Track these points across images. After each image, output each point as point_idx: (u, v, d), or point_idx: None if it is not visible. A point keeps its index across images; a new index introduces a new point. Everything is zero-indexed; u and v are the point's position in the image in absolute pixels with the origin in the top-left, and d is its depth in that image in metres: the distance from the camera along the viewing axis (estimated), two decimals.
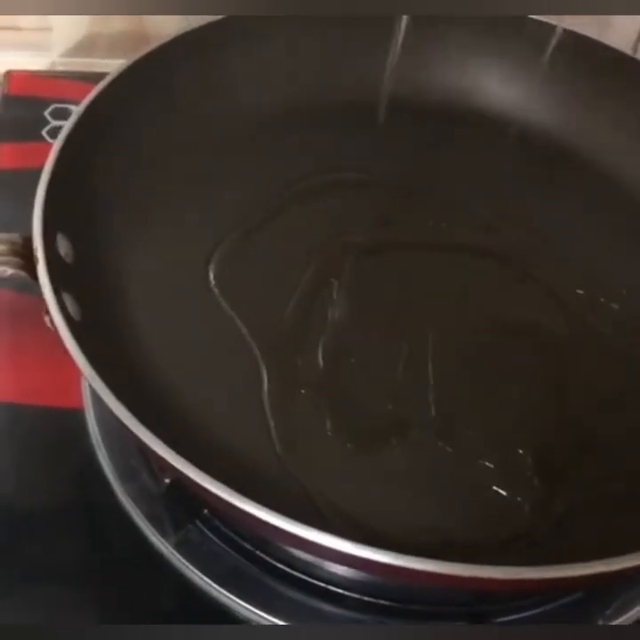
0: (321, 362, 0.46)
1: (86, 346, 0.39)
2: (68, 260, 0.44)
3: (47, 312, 0.40)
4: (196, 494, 0.38)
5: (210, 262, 0.50)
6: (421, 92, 0.60)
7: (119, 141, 0.50)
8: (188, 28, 0.53)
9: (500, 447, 0.44)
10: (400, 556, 0.33)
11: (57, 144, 0.45)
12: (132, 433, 0.37)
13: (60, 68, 0.73)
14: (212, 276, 0.49)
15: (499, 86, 0.61)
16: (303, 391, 0.45)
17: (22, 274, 0.42)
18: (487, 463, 0.43)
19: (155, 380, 0.45)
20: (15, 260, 0.42)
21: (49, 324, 0.40)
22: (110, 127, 0.49)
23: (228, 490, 0.34)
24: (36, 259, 0.41)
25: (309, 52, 0.59)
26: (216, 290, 0.49)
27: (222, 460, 0.42)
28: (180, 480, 0.37)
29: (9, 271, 0.42)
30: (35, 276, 0.41)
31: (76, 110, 0.47)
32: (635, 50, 0.71)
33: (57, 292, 0.40)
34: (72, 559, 0.46)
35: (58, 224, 0.44)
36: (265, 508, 0.34)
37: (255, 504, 0.34)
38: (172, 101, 0.53)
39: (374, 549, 0.33)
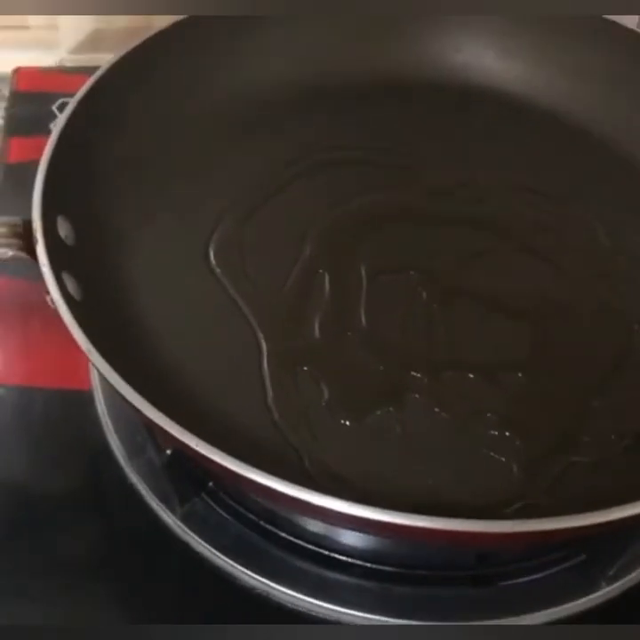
0: (318, 334, 0.47)
1: (87, 324, 0.40)
2: (69, 241, 0.46)
3: (48, 292, 0.41)
4: (195, 462, 0.39)
5: (210, 241, 0.50)
6: (417, 71, 0.61)
7: (117, 127, 0.51)
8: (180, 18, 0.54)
9: (495, 413, 0.44)
10: (390, 512, 0.34)
11: (55, 130, 0.47)
12: (132, 405, 0.38)
13: (69, 65, 0.75)
14: (212, 254, 0.50)
15: (494, 62, 0.61)
16: (301, 363, 0.46)
17: (23, 255, 0.43)
18: (482, 428, 0.44)
19: (156, 356, 0.45)
20: (16, 241, 0.43)
21: (51, 304, 0.41)
22: (107, 114, 0.50)
23: (223, 454, 0.35)
24: (36, 239, 0.42)
25: (307, 35, 0.59)
26: (217, 269, 0.50)
27: (222, 429, 0.42)
28: (181, 449, 0.38)
29: (10, 253, 0.43)
30: (35, 257, 0.42)
31: (73, 99, 0.49)
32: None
33: (56, 271, 0.42)
34: (85, 537, 0.47)
35: (58, 207, 0.45)
36: (258, 470, 0.35)
37: (249, 467, 0.35)
38: (167, 87, 0.54)
39: (366, 507, 0.34)
